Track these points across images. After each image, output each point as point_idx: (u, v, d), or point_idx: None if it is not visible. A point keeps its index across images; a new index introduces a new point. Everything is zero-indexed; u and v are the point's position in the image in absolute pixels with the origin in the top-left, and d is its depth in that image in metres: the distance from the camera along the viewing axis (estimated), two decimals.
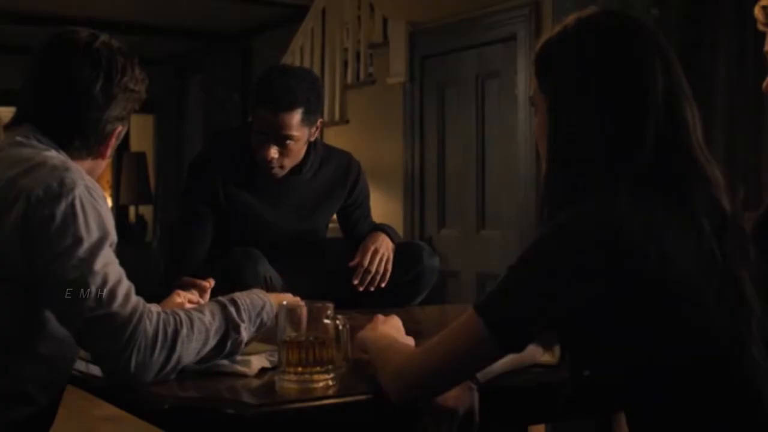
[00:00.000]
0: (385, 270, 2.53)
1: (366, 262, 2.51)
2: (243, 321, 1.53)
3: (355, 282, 2.50)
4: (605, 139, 1.27)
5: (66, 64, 1.55)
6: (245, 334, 1.54)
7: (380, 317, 1.62)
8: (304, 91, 2.44)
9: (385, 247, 2.56)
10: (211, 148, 2.68)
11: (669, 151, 1.27)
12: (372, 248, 2.53)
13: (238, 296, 1.57)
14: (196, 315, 1.48)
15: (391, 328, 1.58)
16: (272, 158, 2.46)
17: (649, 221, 1.21)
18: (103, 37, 1.59)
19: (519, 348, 1.29)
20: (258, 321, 1.57)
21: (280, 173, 2.52)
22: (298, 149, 2.50)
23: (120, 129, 1.61)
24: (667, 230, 1.22)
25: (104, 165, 1.65)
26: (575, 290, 1.22)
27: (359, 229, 2.73)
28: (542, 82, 1.36)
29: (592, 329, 1.26)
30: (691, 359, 1.22)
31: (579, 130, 1.28)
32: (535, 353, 1.55)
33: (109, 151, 1.62)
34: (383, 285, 2.52)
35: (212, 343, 1.48)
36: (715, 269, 1.24)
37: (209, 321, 1.49)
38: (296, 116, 2.42)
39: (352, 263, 2.52)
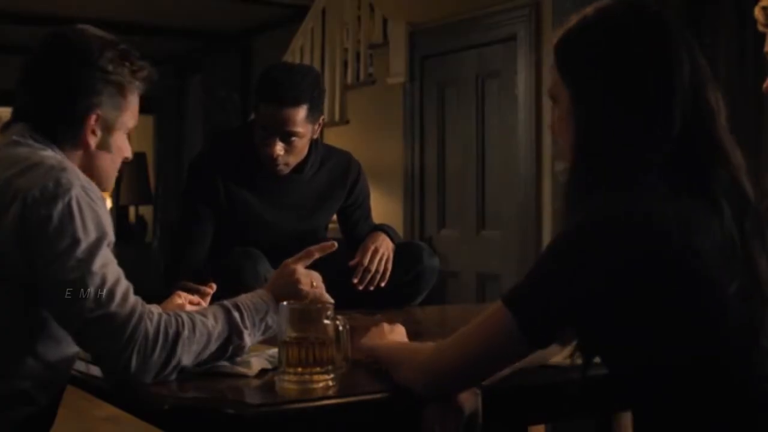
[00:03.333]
0: (385, 269, 2.53)
1: (366, 261, 2.50)
2: (246, 327, 1.51)
3: (355, 281, 2.49)
4: (632, 129, 1.25)
5: (51, 60, 1.55)
6: (248, 340, 1.52)
7: (386, 326, 1.61)
8: (308, 87, 2.44)
9: (385, 246, 2.55)
10: (211, 148, 2.68)
11: (695, 137, 1.26)
12: (372, 247, 2.53)
13: (242, 300, 1.55)
14: (198, 318, 1.47)
15: (398, 335, 1.58)
16: (278, 155, 2.45)
17: (676, 209, 1.20)
18: (83, 26, 1.58)
19: (545, 342, 1.28)
20: (263, 326, 1.55)
21: (285, 170, 2.52)
22: (303, 146, 2.50)
23: (99, 114, 1.55)
24: (694, 218, 1.21)
25: (107, 159, 1.60)
26: (603, 280, 1.20)
27: (359, 230, 2.73)
28: (564, 73, 1.34)
29: (619, 322, 1.24)
30: (708, 356, 1.21)
31: (604, 121, 1.27)
32: (544, 355, 1.53)
33: (92, 140, 1.57)
34: (383, 284, 2.52)
35: (213, 347, 1.48)
36: (737, 257, 1.23)
37: (212, 325, 1.48)
38: (301, 112, 2.42)
39: (352, 263, 2.52)
